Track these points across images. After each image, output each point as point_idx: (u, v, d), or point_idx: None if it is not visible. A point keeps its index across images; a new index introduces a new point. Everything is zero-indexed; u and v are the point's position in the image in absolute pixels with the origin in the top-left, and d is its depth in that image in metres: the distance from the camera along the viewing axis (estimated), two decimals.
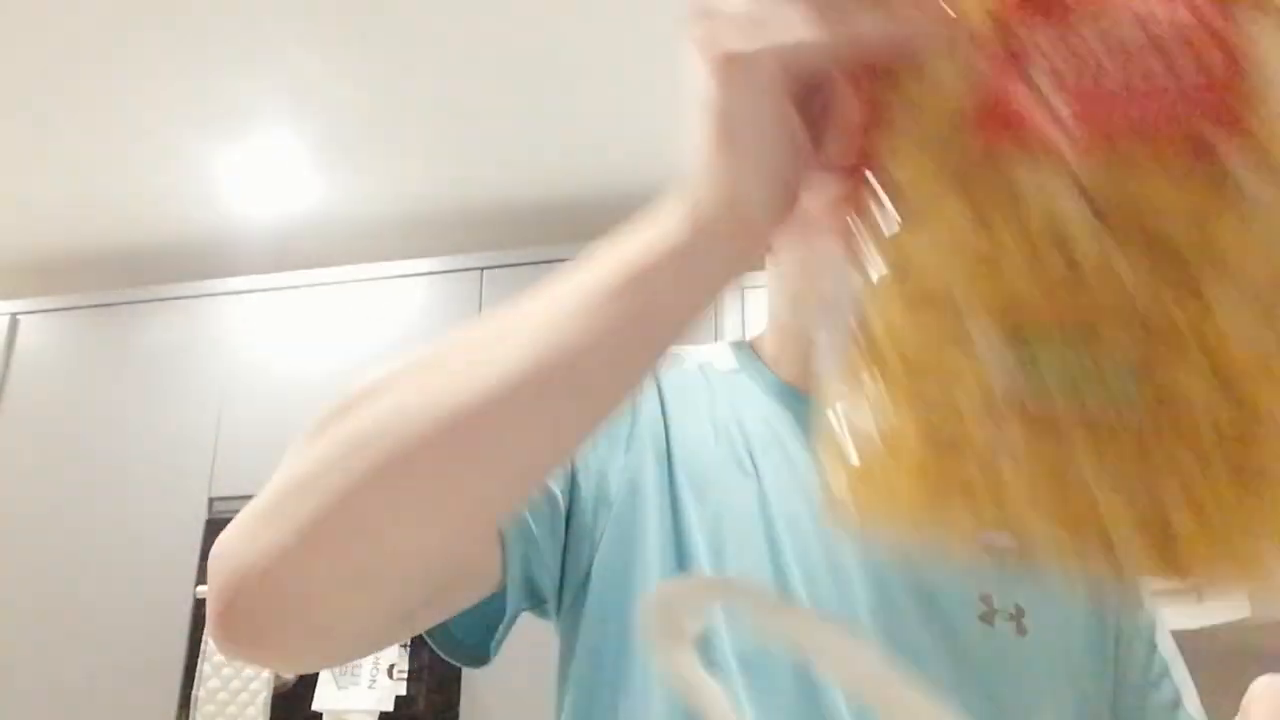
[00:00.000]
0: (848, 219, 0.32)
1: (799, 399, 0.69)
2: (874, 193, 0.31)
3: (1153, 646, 0.69)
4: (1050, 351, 0.28)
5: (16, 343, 2.91)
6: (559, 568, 0.63)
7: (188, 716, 2.37)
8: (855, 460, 0.30)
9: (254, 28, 2.11)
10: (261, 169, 2.65)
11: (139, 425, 2.74)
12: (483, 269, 2.70)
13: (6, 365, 2.88)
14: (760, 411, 0.68)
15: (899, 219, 0.30)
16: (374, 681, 2.26)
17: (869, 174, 0.31)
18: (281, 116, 2.43)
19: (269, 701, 2.30)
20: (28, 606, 2.64)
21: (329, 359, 2.66)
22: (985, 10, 0.30)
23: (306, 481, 0.41)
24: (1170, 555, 0.28)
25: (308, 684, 2.29)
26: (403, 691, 2.25)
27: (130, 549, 2.61)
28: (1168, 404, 0.28)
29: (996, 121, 0.30)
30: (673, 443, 0.65)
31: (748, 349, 0.75)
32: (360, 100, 2.37)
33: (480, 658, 0.64)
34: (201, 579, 2.51)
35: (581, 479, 0.63)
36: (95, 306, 2.90)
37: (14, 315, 2.93)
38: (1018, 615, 0.62)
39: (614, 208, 3.19)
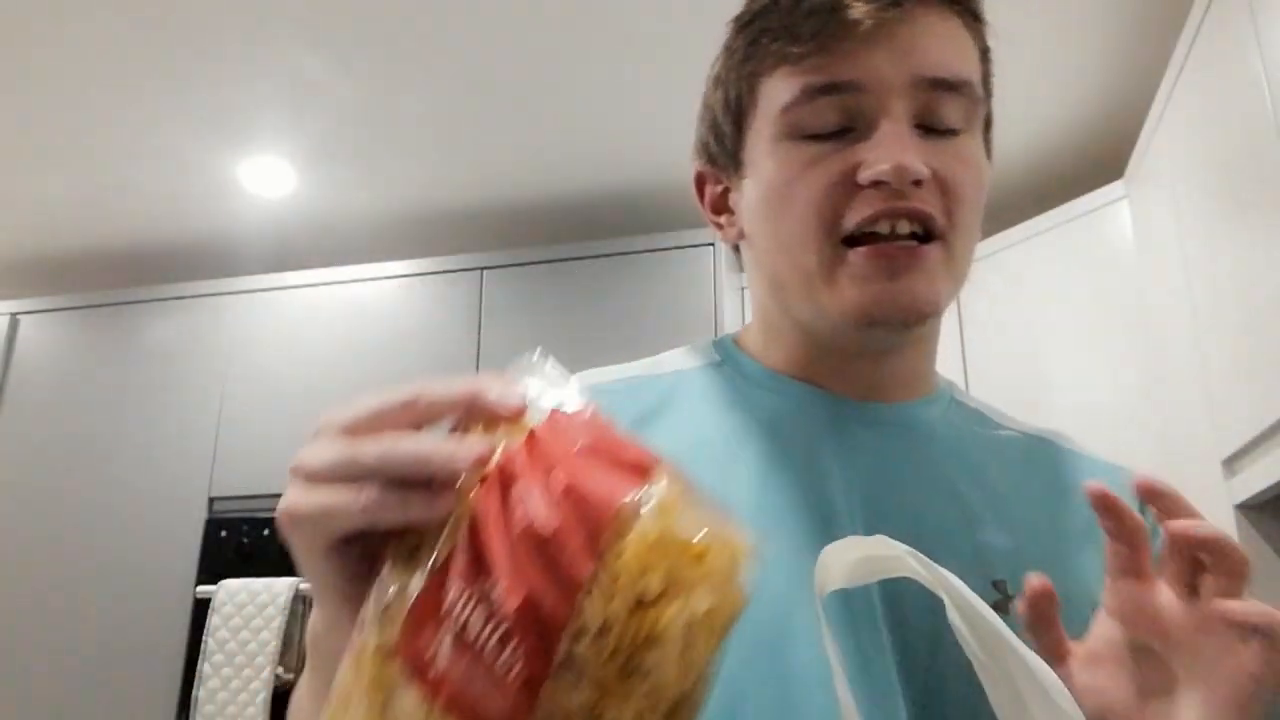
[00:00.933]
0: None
1: (788, 384, 0.68)
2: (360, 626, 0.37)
3: None
4: None
5: (16, 343, 2.91)
6: None
7: (188, 716, 2.37)
8: None
9: (255, 29, 2.11)
10: (262, 169, 2.65)
11: (139, 425, 2.74)
12: (483, 269, 2.70)
13: (6, 365, 2.89)
14: (746, 402, 0.67)
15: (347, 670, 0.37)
16: None
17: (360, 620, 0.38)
18: (282, 117, 2.43)
19: (269, 701, 2.30)
20: (27, 606, 2.64)
21: (329, 359, 2.66)
22: (450, 548, 0.35)
23: None
24: None
25: None
26: None
27: (130, 549, 2.61)
28: None
29: (406, 638, 0.35)
30: None
31: (729, 343, 0.73)
32: (360, 101, 2.37)
33: None
34: (201, 579, 2.52)
35: None
36: (95, 306, 2.91)
37: (14, 315, 2.93)
38: None
39: (612, 207, 3.18)
